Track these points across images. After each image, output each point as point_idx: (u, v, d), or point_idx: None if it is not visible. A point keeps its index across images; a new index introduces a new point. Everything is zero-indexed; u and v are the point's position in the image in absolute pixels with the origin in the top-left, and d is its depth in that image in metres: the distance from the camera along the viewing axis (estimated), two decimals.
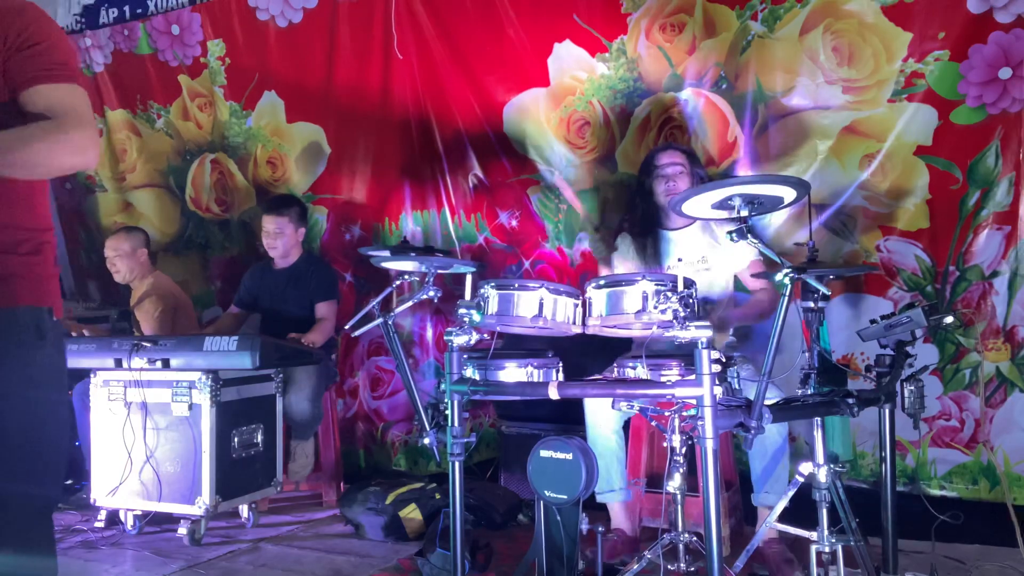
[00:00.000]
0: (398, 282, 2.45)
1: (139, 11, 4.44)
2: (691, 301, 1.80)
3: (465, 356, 2.12)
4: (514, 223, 3.73)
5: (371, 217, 4.03)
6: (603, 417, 2.63)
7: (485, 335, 2.11)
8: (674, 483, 1.94)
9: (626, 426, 2.70)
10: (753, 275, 2.75)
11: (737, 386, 1.94)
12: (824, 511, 2.05)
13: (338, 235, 4.12)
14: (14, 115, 1.42)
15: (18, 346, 1.46)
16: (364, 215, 4.05)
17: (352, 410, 4.08)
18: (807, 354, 2.14)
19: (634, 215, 2.96)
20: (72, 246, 4.93)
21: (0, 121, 1.40)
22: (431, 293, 2.31)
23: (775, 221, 3.22)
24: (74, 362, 3.16)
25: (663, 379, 1.94)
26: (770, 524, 2.18)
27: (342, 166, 4.06)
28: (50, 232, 1.59)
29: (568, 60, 3.48)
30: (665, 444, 2.00)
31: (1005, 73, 2.83)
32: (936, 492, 3.02)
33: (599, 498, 2.65)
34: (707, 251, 2.83)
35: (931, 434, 3.05)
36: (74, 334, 3.47)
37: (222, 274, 4.48)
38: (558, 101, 3.54)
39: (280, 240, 3.56)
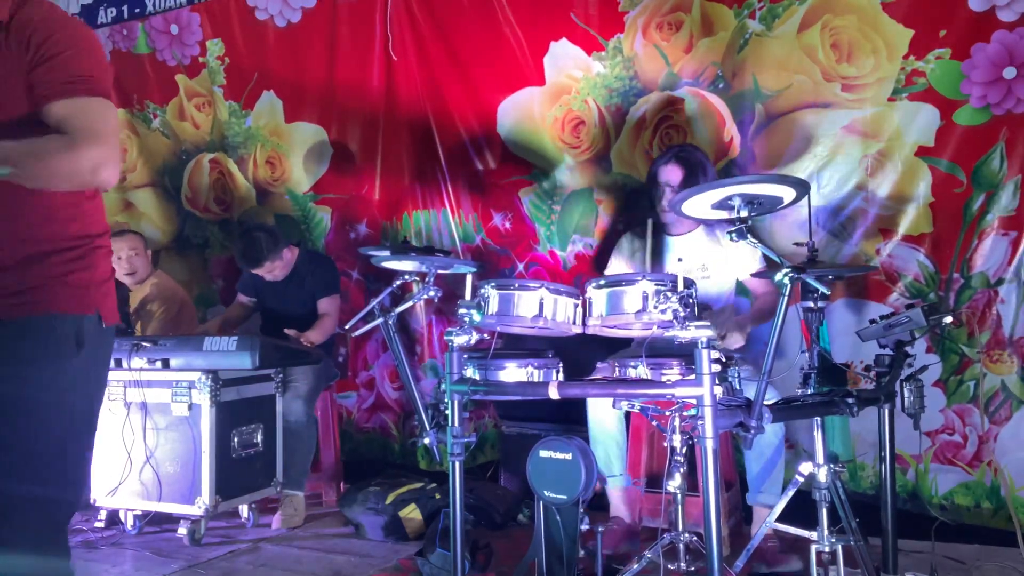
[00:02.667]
0: (399, 281, 2.44)
1: (137, 11, 4.43)
2: (691, 301, 1.80)
3: (465, 356, 2.12)
4: (507, 225, 3.71)
5: (377, 215, 4.01)
6: (604, 404, 2.62)
7: (485, 335, 2.10)
8: (674, 483, 1.94)
9: (627, 414, 2.69)
10: (753, 275, 2.74)
11: (737, 386, 1.94)
12: (824, 511, 2.05)
13: (343, 234, 4.10)
14: (42, 128, 1.35)
15: (50, 355, 1.40)
16: (370, 213, 4.03)
17: (369, 401, 4.08)
18: (806, 354, 2.14)
19: (637, 218, 2.95)
20: None
21: (27, 135, 1.33)
22: (431, 293, 2.31)
23: (771, 222, 3.17)
24: None
25: (663, 379, 1.94)
26: (770, 524, 2.17)
27: (346, 166, 4.04)
28: (102, 238, 1.53)
29: (564, 59, 3.45)
30: (665, 444, 2.00)
31: (1010, 73, 2.76)
32: (938, 512, 2.89)
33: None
34: (708, 258, 2.82)
35: (933, 449, 2.93)
36: None
37: (223, 273, 4.47)
38: (553, 100, 3.51)
39: (277, 272, 3.53)
